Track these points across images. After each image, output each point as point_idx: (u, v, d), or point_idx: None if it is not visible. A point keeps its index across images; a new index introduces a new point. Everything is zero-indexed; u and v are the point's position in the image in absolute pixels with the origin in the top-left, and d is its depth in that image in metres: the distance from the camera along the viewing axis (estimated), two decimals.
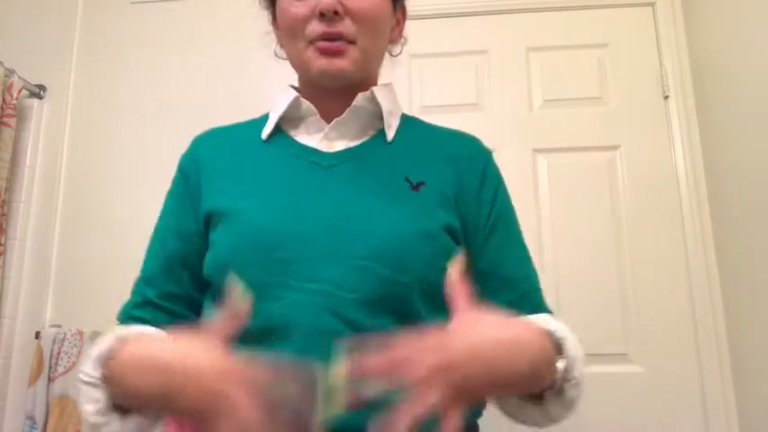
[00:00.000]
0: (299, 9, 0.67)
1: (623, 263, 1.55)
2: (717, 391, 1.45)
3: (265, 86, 1.79)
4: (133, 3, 1.89)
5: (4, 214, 1.64)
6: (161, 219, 0.75)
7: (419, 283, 0.63)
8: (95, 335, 1.59)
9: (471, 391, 0.48)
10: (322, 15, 0.65)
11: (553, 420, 0.59)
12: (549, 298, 0.73)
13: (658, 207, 1.58)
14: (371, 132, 0.73)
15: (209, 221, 0.68)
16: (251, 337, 0.57)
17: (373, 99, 0.72)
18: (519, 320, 0.56)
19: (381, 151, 0.71)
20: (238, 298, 0.53)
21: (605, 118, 1.66)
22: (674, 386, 1.47)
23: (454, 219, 0.68)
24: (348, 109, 0.70)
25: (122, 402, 0.55)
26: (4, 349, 1.61)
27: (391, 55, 0.79)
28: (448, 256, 0.64)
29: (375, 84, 0.76)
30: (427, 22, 1.77)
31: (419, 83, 1.73)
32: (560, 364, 0.55)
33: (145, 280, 0.72)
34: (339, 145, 0.71)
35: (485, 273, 0.69)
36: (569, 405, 0.57)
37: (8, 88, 1.65)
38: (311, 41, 0.67)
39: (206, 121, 1.84)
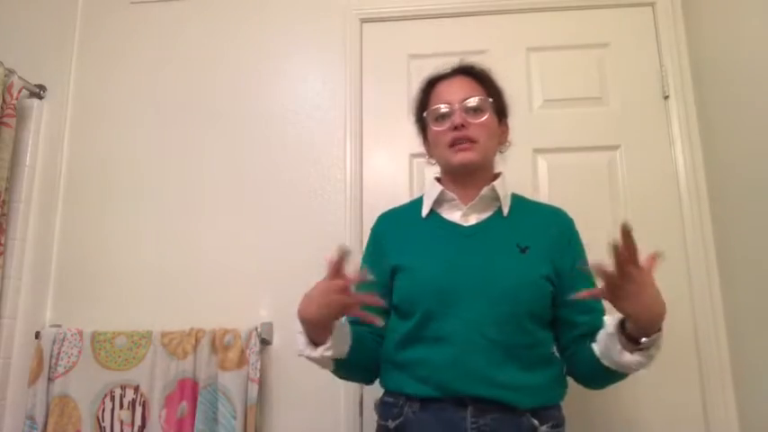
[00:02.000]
0: (442, 128, 1.13)
1: None
2: (717, 391, 1.45)
3: (263, 83, 1.79)
4: (133, 3, 1.89)
5: (4, 214, 1.64)
6: (363, 267, 1.18)
7: (528, 313, 1.03)
8: (95, 335, 1.59)
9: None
10: (455, 128, 1.10)
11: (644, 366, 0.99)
12: None
13: (658, 207, 1.58)
14: (492, 209, 1.13)
15: (395, 271, 1.11)
16: (425, 341, 1.02)
17: (493, 189, 1.12)
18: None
19: (500, 224, 1.11)
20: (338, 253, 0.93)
21: (605, 118, 1.66)
22: (674, 386, 1.48)
23: (550, 270, 1.06)
24: (478, 196, 1.11)
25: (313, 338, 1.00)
26: (4, 349, 1.61)
27: (500, 152, 1.22)
28: (546, 294, 1.06)
29: (490, 168, 1.17)
30: (427, 21, 1.77)
31: (419, 83, 1.72)
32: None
33: None
34: (472, 219, 1.12)
35: (572, 301, 1.04)
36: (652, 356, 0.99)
37: (8, 88, 1.66)
38: (450, 145, 1.11)
39: (206, 120, 1.85)
